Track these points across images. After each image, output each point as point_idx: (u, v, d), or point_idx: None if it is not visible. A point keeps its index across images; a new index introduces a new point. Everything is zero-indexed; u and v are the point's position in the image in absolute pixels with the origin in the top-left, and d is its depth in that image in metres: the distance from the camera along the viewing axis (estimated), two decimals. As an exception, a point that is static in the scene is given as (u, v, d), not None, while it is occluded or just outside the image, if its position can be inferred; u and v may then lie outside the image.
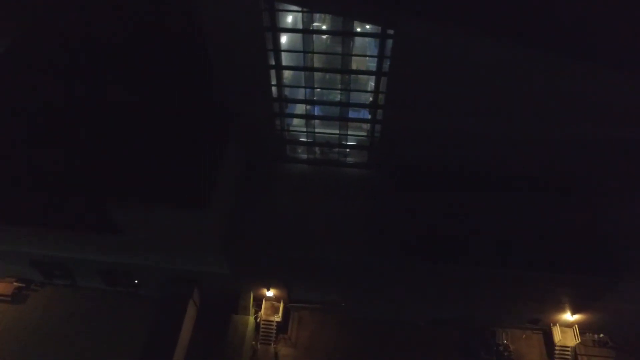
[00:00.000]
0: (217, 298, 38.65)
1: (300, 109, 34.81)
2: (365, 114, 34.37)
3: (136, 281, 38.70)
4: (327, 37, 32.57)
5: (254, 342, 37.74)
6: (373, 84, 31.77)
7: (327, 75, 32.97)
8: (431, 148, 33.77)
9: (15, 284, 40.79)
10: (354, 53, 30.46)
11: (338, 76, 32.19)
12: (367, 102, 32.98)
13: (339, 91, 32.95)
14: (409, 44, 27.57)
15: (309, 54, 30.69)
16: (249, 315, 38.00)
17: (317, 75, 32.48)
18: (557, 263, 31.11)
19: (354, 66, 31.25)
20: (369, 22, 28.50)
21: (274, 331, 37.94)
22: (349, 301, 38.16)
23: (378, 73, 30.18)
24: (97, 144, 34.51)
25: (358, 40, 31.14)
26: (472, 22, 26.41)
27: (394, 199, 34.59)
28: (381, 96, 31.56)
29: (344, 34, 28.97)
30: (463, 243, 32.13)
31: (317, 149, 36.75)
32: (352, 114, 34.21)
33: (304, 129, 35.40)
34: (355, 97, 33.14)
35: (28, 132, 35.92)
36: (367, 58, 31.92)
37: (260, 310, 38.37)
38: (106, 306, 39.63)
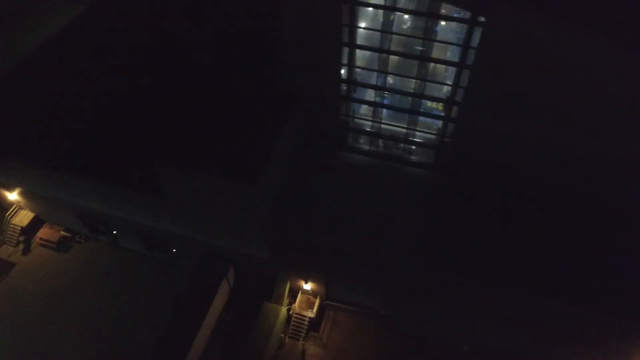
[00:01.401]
0: (252, 282, 37.10)
1: (369, 95, 32.31)
2: (438, 111, 31.41)
3: (174, 250, 37.85)
4: (408, 20, 29.87)
5: (282, 334, 35.78)
6: (452, 77, 28.66)
7: (403, 62, 30.25)
8: (507, 158, 30.27)
9: (62, 232, 41.19)
10: (436, 39, 27.49)
11: (415, 65, 29.39)
12: (443, 97, 30.00)
13: (414, 81, 30.18)
14: (501, 36, 24.35)
15: (387, 36, 28.17)
16: (282, 305, 36.08)
17: (392, 60, 29.91)
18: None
19: (434, 55, 28.33)
20: (458, 5, 25.47)
21: (306, 327, 35.76)
22: (389, 309, 35.34)
23: (460, 65, 27.14)
24: (157, 107, 34.17)
25: (442, 26, 28.18)
26: (584, 19, 22.78)
27: (456, 208, 31.39)
28: (460, 92, 28.52)
29: (428, 16, 26.14)
30: (526, 267, 28.45)
31: (380, 142, 34.13)
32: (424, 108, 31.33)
33: (370, 118, 32.87)
34: (430, 90, 30.27)
35: (97, 90, 36.34)
36: (450, 47, 28.90)
37: (295, 302, 36.33)
38: (142, 270, 39.13)
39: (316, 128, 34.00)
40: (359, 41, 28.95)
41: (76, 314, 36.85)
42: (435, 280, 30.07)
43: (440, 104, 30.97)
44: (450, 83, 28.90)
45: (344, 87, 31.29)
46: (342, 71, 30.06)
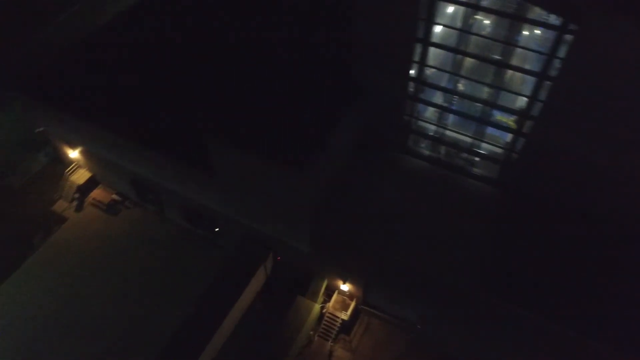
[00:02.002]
0: (289, 274, 36.27)
1: (436, 98, 30.49)
2: (509, 124, 29.24)
3: (217, 229, 37.64)
4: (488, 26, 27.83)
5: (312, 332, 34.71)
6: (530, 89, 26.43)
7: (478, 67, 28.26)
8: (581, 182, 27.71)
9: (113, 196, 42.04)
10: (519, 45, 25.33)
11: (490, 71, 27.36)
12: (517, 109, 27.82)
13: (486, 89, 28.18)
14: (595, 48, 22.04)
15: (464, 38, 26.38)
16: (316, 302, 35.02)
17: (467, 63, 28.02)
18: None
19: (513, 61, 26.19)
20: (549, 10, 23.28)
21: (337, 328, 34.51)
22: (427, 326, 33.48)
23: (541, 75, 24.91)
24: (219, 84, 33.97)
25: (526, 30, 25.89)
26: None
27: (517, 230, 29.16)
28: (536, 105, 26.27)
29: (514, 18, 24.12)
30: (590, 306, 25.89)
31: (442, 148, 32.28)
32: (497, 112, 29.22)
33: (435, 122, 31.11)
34: (503, 100, 28.16)
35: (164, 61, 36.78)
36: (530, 57, 26.57)
37: (330, 301, 35.16)
38: (184, 244, 39.19)
39: (376, 126, 32.56)
40: (435, 38, 27.27)
41: (114, 275, 37.43)
42: (481, 304, 28.04)
43: (513, 116, 28.75)
44: (527, 94, 26.65)
45: (411, 85, 29.71)
46: (413, 67, 28.45)
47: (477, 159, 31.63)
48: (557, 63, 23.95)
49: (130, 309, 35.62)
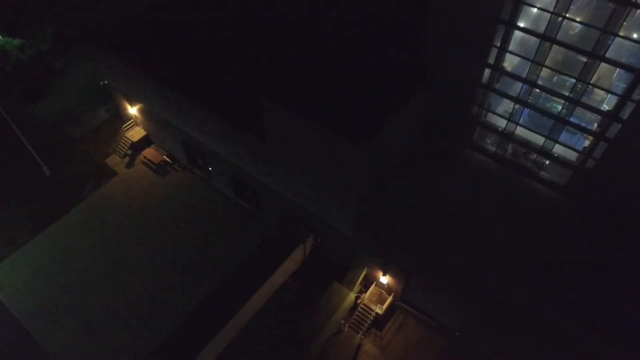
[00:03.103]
0: (328, 258, 34.82)
1: (514, 89, 28.14)
2: (590, 125, 26.64)
3: (261, 202, 36.67)
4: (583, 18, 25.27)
5: (343, 321, 33.05)
6: (624, 85, 23.78)
7: (564, 60, 25.81)
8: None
9: (164, 157, 42.01)
10: (619, 34, 22.63)
11: (579, 65, 24.76)
12: (604, 110, 25.19)
13: (569, 86, 25.65)
14: None
15: (555, 24, 23.94)
16: (351, 291, 33.35)
17: (553, 53, 25.52)
18: None
19: (609, 54, 23.58)
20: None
21: (369, 321, 32.73)
22: (465, 332, 31.20)
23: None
24: (285, 52, 33.03)
25: (630, 18, 23.16)
26: None
27: (580, 243, 26.51)
28: (628, 106, 23.60)
29: (619, 2, 21.58)
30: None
31: (510, 146, 29.92)
32: (573, 118, 26.63)
33: (507, 116, 28.77)
34: (588, 99, 25.61)
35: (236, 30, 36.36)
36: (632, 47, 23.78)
37: (366, 293, 33.43)
38: (226, 214, 38.64)
39: (443, 114, 30.57)
40: (521, 22, 25.06)
41: (154, 233, 37.36)
42: (529, 314, 25.59)
43: (598, 118, 26.13)
44: (618, 93, 24.00)
45: (486, 73, 27.59)
46: (492, 52, 26.33)
47: (546, 161, 29.11)
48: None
49: (163, 269, 35.25)
